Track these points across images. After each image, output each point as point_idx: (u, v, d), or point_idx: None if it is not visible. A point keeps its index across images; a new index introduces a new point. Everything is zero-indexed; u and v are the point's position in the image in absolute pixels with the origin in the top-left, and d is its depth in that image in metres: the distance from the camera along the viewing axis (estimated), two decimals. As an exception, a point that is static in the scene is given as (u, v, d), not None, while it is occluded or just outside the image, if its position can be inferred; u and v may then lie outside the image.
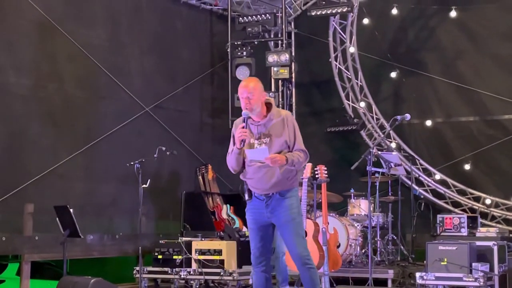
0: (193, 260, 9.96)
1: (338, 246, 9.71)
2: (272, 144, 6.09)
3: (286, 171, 6.12)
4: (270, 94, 12.14)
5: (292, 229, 6.12)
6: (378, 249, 10.50)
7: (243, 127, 6.02)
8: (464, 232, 10.30)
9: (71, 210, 8.75)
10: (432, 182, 12.46)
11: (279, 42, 12.86)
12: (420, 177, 12.50)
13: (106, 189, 10.56)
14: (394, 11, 12.82)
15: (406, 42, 13.13)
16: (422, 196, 12.27)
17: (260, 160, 6.04)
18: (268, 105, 6.21)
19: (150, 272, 10.11)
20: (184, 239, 10.28)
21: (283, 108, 12.52)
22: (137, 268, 9.73)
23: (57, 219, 8.92)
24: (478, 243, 9.38)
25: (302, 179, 8.78)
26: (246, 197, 6.24)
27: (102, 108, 10.70)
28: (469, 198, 12.31)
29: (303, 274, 6.17)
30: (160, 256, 10.14)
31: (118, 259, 10.95)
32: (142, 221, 9.29)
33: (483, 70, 12.49)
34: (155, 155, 9.27)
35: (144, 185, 8.88)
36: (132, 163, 8.92)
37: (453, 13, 12.48)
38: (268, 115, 6.15)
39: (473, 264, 8.86)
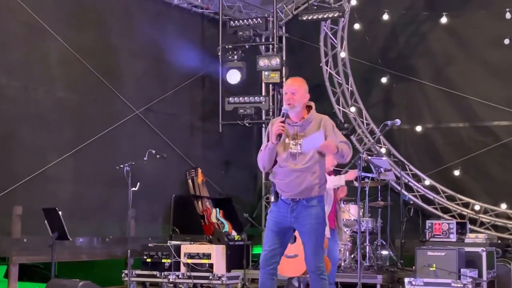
0: (182, 264, 9.96)
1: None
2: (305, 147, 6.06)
3: (319, 177, 6.11)
4: (261, 98, 12.15)
5: (314, 239, 6.07)
6: (367, 254, 10.51)
7: (282, 122, 5.98)
8: (453, 238, 10.33)
9: (60, 212, 8.72)
10: (422, 187, 12.49)
11: (270, 46, 12.87)
12: (410, 183, 12.52)
13: (96, 192, 10.54)
14: (385, 17, 12.85)
15: (397, 47, 13.16)
16: (411, 202, 12.29)
17: (315, 146, 5.96)
18: (308, 109, 6.24)
19: (138, 276, 10.10)
20: (173, 242, 10.28)
21: (272, 113, 12.54)
22: (126, 271, 9.71)
23: (45, 221, 8.89)
24: (467, 249, 9.40)
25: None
26: (273, 198, 6.19)
27: (92, 110, 10.67)
28: (458, 204, 12.34)
29: (314, 284, 6.12)
30: (149, 260, 10.13)
31: (106, 262, 10.92)
32: (131, 224, 9.29)
33: (473, 76, 12.53)
34: (145, 158, 9.26)
35: (133, 188, 8.87)
36: (121, 166, 8.90)
37: (443, 20, 12.52)
38: (306, 117, 6.16)
39: (462, 270, 8.88)
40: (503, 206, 12.08)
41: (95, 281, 8.33)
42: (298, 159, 6.06)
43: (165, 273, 9.93)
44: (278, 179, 6.14)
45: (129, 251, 9.05)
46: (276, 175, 6.16)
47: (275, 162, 6.17)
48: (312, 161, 6.08)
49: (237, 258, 10.46)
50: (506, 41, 11.95)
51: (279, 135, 5.98)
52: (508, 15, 11.90)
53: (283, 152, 6.09)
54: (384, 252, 10.87)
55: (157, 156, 9.45)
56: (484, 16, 12.33)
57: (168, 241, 10.43)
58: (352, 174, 8.24)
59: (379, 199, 11.20)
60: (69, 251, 9.97)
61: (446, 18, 12.51)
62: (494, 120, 12.32)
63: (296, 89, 6.13)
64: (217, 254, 9.98)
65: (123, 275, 10.07)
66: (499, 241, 11.28)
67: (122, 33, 11.24)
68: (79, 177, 10.40)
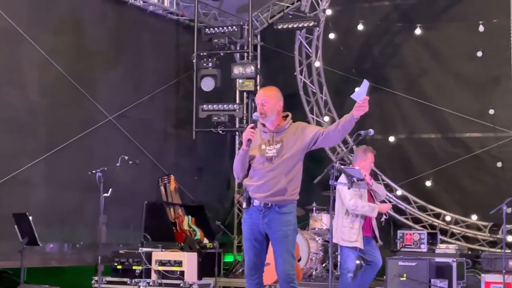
0: (153, 271, 9.90)
1: (299, 260, 9.73)
2: (282, 149, 6.11)
3: (292, 181, 6.15)
4: (235, 106, 12.15)
5: (285, 246, 6.06)
6: (338, 263, 10.51)
7: (252, 127, 6.04)
8: (424, 248, 10.38)
9: (30, 217, 8.65)
10: (394, 197, 12.54)
11: (245, 54, 12.89)
12: (382, 193, 12.56)
13: (68, 197, 10.46)
14: (360, 27, 12.92)
15: (371, 58, 13.23)
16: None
17: (364, 94, 6.23)
18: (285, 117, 6.31)
19: (109, 282, 10.03)
20: (145, 249, 10.23)
21: (246, 121, 12.54)
22: (96, 278, 9.64)
23: (15, 226, 8.81)
24: (438, 259, 9.46)
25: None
26: (244, 205, 6.20)
27: (65, 115, 10.60)
28: (429, 215, 12.42)
29: None
30: (119, 266, 10.07)
31: (77, 269, 10.84)
32: (103, 230, 9.21)
33: (446, 88, 12.62)
34: (117, 164, 9.21)
35: (105, 194, 8.80)
36: (94, 171, 8.85)
37: (418, 31, 12.61)
38: (282, 124, 6.22)
39: (432, 280, 8.94)
40: (474, 217, 12.17)
41: (64, 288, 8.27)
42: (274, 162, 6.09)
43: (136, 280, 9.88)
44: (252, 182, 6.13)
45: (99, 257, 8.97)
46: (251, 178, 6.16)
47: (249, 168, 6.19)
48: (289, 164, 6.12)
49: (209, 265, 10.44)
50: (479, 54, 12.06)
51: (249, 140, 6.03)
52: (481, 28, 12.00)
53: (259, 157, 6.12)
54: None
55: (130, 162, 9.39)
56: (457, 28, 12.44)
57: (140, 248, 10.38)
58: (385, 207, 8.35)
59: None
60: (39, 257, 9.89)
61: (420, 30, 12.60)
62: (466, 131, 12.42)
63: (266, 99, 6.16)
64: (189, 261, 9.94)
65: (93, 282, 10.00)
66: (469, 252, 11.37)
67: (96, 38, 11.19)
68: (51, 182, 10.33)
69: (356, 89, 6.23)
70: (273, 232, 6.09)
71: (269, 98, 6.19)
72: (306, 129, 6.25)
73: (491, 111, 11.99)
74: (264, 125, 6.21)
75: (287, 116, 6.33)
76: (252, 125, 6.08)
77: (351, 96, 6.14)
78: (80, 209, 10.54)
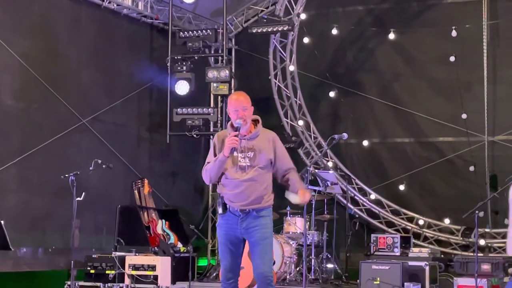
0: (126, 275, 9.85)
1: (273, 264, 9.73)
2: (255, 159, 6.13)
3: (267, 189, 6.20)
4: (209, 109, 12.13)
5: (263, 248, 6.12)
6: (313, 267, 10.54)
7: (236, 135, 6.02)
8: (397, 252, 10.43)
9: (2, 222, 8.55)
10: (367, 201, 12.60)
11: (220, 58, 12.88)
12: (356, 197, 12.63)
13: (40, 202, 10.38)
14: (334, 31, 12.97)
15: (345, 62, 13.28)
16: (357, 216, 12.38)
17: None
18: (256, 122, 6.31)
19: (82, 287, 9.96)
20: (118, 254, 10.17)
21: (221, 125, 12.53)
22: (69, 283, 9.57)
23: (-13, 231, 8.71)
24: (411, 263, 9.51)
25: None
26: (220, 210, 6.20)
27: (37, 119, 10.52)
28: (402, 219, 12.48)
29: None
30: (92, 271, 10.01)
31: (49, 273, 10.74)
32: (76, 234, 9.16)
33: (419, 93, 12.71)
34: (90, 168, 9.16)
35: (78, 198, 8.76)
36: (66, 175, 8.79)
37: (391, 36, 12.68)
38: (254, 131, 6.22)
39: (405, 284, 8.99)
40: (447, 221, 12.25)
41: (37, 292, 8.20)
42: (248, 171, 6.10)
43: (109, 284, 9.82)
44: (227, 191, 6.16)
45: (72, 262, 8.92)
46: (225, 186, 6.18)
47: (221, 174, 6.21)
48: (262, 173, 6.15)
49: (183, 270, 10.41)
50: (452, 59, 12.15)
51: (233, 149, 6.02)
52: (454, 33, 12.10)
53: (232, 166, 6.13)
54: (329, 266, 10.93)
55: (103, 166, 9.36)
56: (430, 33, 12.53)
57: (113, 252, 10.32)
58: None
59: (325, 213, 11.26)
60: (11, 262, 9.80)
61: (394, 35, 12.67)
62: (439, 136, 12.50)
63: (246, 106, 6.20)
64: (162, 265, 9.90)
65: (66, 287, 9.92)
66: (442, 256, 11.44)
67: (70, 41, 11.12)
68: (23, 186, 10.24)
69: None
70: (251, 235, 6.14)
71: (248, 104, 6.24)
72: (277, 147, 6.27)
73: (464, 116, 12.08)
74: (238, 130, 6.18)
75: (257, 120, 6.35)
76: (236, 133, 6.06)
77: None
78: (53, 213, 10.46)
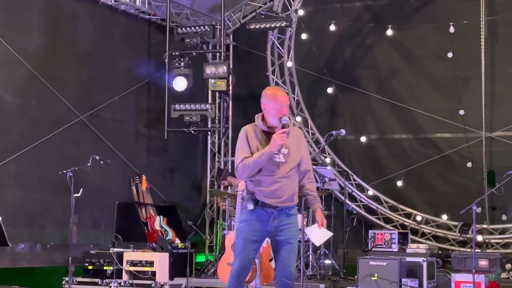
0: (124, 271, 9.86)
1: (271, 260, 9.72)
2: (289, 156, 6.08)
3: (297, 187, 6.20)
4: (207, 106, 12.13)
5: (292, 248, 6.11)
6: (310, 263, 10.55)
7: (283, 132, 5.95)
8: (395, 248, 10.44)
9: (0, 218, 8.56)
10: (365, 197, 12.61)
11: (217, 54, 12.88)
12: (353, 193, 12.63)
13: (38, 198, 10.38)
14: (332, 28, 12.96)
15: (343, 58, 13.28)
16: (354, 212, 12.39)
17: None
18: None
19: (79, 283, 9.97)
20: (116, 250, 10.18)
21: (218, 121, 12.53)
22: (67, 279, 9.58)
23: (-15, 227, 8.71)
24: (408, 259, 9.50)
25: (237, 191, 8.79)
26: (251, 206, 6.07)
27: (35, 115, 10.52)
28: (400, 215, 12.49)
29: None
30: (90, 267, 10.01)
31: (47, 269, 10.75)
32: (73, 230, 9.18)
33: (417, 89, 12.71)
34: (88, 164, 9.16)
35: (76, 194, 8.76)
36: (64, 171, 8.79)
37: (389, 32, 12.67)
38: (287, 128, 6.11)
39: (403, 279, 8.98)
40: (444, 217, 12.26)
41: (35, 288, 8.20)
42: (282, 168, 6.06)
43: (107, 280, 9.82)
44: (263, 187, 6.06)
45: (70, 258, 8.93)
46: (261, 183, 6.07)
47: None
48: (294, 170, 6.14)
49: (180, 266, 10.40)
50: (450, 55, 12.15)
51: (282, 145, 5.98)
52: (452, 29, 12.09)
53: (269, 162, 6.03)
54: (327, 261, 10.93)
55: (101, 162, 9.36)
56: (428, 29, 12.53)
57: (111, 248, 10.33)
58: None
59: (323, 209, 11.25)
60: (9, 258, 9.80)
61: (392, 31, 12.66)
62: (437, 132, 12.51)
63: (288, 103, 6.22)
64: (160, 262, 9.91)
65: (63, 283, 9.93)
66: (440, 252, 11.45)
67: (67, 37, 11.12)
68: (21, 182, 10.23)
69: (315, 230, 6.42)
70: (281, 233, 6.10)
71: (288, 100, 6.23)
72: (303, 145, 6.29)
73: (461, 112, 12.08)
74: (269, 128, 6.13)
75: None
76: (286, 130, 5.99)
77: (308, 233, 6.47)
78: (51, 209, 10.46)
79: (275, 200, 6.06)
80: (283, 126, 6.02)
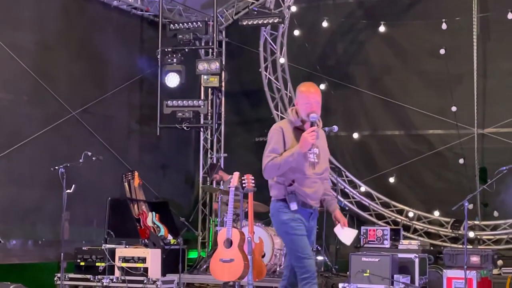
0: (116, 268, 9.85)
1: (263, 256, 9.75)
2: (320, 155, 6.06)
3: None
4: (200, 102, 12.12)
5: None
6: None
7: (313, 131, 5.88)
8: (387, 244, 10.45)
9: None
10: (357, 194, 12.62)
11: (210, 50, 12.85)
12: (346, 189, 12.64)
13: (30, 194, 10.37)
14: (325, 24, 12.96)
15: (336, 55, 13.28)
16: (347, 208, 12.39)
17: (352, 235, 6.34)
18: None
19: (71, 279, 9.97)
20: (108, 246, 10.17)
21: (211, 117, 12.52)
22: (59, 275, 9.57)
23: (-24, 223, 8.71)
24: (400, 255, 9.53)
25: (229, 188, 8.79)
26: (295, 206, 5.99)
27: (27, 111, 10.50)
28: (392, 211, 12.51)
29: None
30: (82, 263, 10.01)
31: (39, 265, 10.74)
32: (65, 227, 9.16)
33: (409, 85, 12.72)
34: (80, 160, 9.15)
35: (68, 191, 8.75)
36: (56, 167, 8.78)
37: (382, 28, 12.68)
38: (315, 128, 6.02)
39: (395, 276, 9.00)
40: (436, 213, 12.29)
41: (27, 285, 8.19)
42: (316, 168, 6.04)
43: (99, 276, 9.82)
44: (305, 187, 6.00)
45: (62, 254, 8.92)
46: (301, 183, 5.99)
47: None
48: (325, 170, 6.16)
49: (173, 262, 10.41)
50: (442, 51, 12.17)
51: (313, 144, 5.92)
52: (444, 26, 12.10)
53: (305, 162, 5.97)
54: (319, 258, 10.94)
55: (93, 158, 9.35)
56: (421, 26, 12.53)
57: (103, 245, 10.32)
58: None
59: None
60: (1, 254, 9.79)
61: (384, 27, 12.67)
62: (429, 128, 12.52)
63: (320, 99, 6.12)
64: (152, 258, 9.90)
65: (55, 279, 9.92)
66: (432, 248, 11.47)
67: (59, 33, 11.09)
68: (13, 178, 10.22)
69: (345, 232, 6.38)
70: (311, 234, 6.18)
71: (321, 98, 6.14)
72: (326, 146, 6.27)
73: (454, 108, 12.10)
74: (302, 125, 6.05)
75: None
76: (315, 128, 5.91)
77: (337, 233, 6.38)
78: (43, 205, 10.45)
79: (314, 201, 6.10)
80: (311, 124, 5.94)
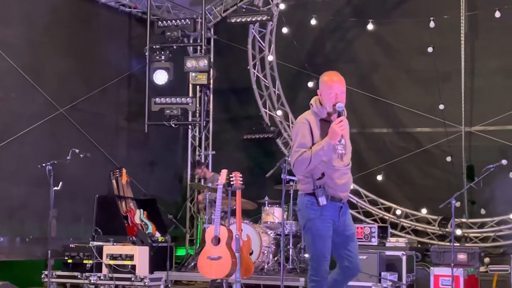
0: (103, 265, 9.83)
1: (251, 253, 9.74)
2: (346, 146, 5.86)
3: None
4: (188, 99, 12.11)
5: (356, 244, 6.01)
6: (290, 257, 10.56)
7: (341, 121, 5.67)
8: (375, 241, 10.47)
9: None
10: (345, 191, 12.61)
11: (198, 47, 12.86)
12: (334, 187, 12.63)
13: (18, 191, 10.34)
14: (313, 22, 12.96)
15: (324, 52, 13.29)
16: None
17: None
18: None
19: (59, 277, 9.92)
20: (95, 243, 10.13)
21: (199, 114, 12.50)
22: (46, 272, 9.53)
23: (-37, 220, 8.67)
24: (388, 252, 9.55)
25: (217, 185, 8.78)
26: (324, 201, 5.77)
27: (15, 108, 10.47)
28: (380, 209, 12.53)
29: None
30: (70, 260, 9.96)
31: (26, 263, 10.71)
32: (53, 224, 9.12)
33: (397, 83, 12.75)
34: (68, 158, 9.11)
35: (55, 188, 8.71)
36: (43, 164, 8.75)
37: (370, 26, 12.69)
38: (343, 118, 5.82)
39: (382, 273, 9.02)
40: (423, 211, 12.32)
41: (14, 282, 8.16)
42: (344, 159, 5.88)
43: (87, 274, 9.77)
44: (334, 180, 5.82)
45: (49, 251, 8.88)
46: (331, 176, 5.81)
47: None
48: (350, 161, 6.02)
49: (161, 259, 10.38)
50: (430, 49, 12.19)
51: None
52: (432, 24, 12.13)
53: (333, 153, 5.77)
54: (307, 255, 10.94)
55: (81, 155, 9.31)
56: (409, 24, 12.55)
57: (90, 242, 10.29)
58: None
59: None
60: (-12, 251, 9.76)
61: (372, 25, 12.68)
62: (417, 126, 12.56)
63: (344, 88, 5.88)
64: (140, 255, 9.88)
65: (43, 276, 9.88)
66: (419, 245, 11.51)
67: (47, 30, 11.05)
68: (1, 175, 10.18)
69: None
70: (349, 228, 5.96)
71: (345, 86, 5.91)
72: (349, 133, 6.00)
73: (441, 106, 12.13)
74: (328, 117, 5.85)
75: None
76: (342, 118, 5.69)
77: None
78: (31, 202, 10.42)
79: (344, 193, 5.92)
80: (339, 114, 5.73)
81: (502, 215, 11.80)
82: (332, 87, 5.83)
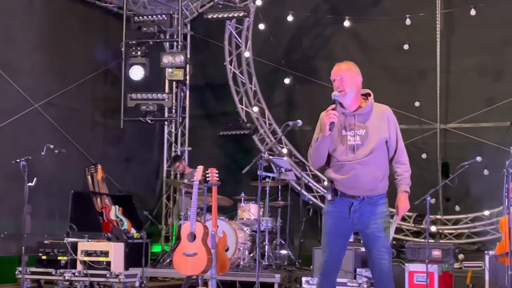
0: (78, 261, 9.77)
1: (227, 250, 9.73)
2: (367, 137, 5.49)
3: (383, 173, 5.64)
4: (164, 95, 12.06)
5: (382, 241, 5.57)
6: (266, 254, 10.57)
7: (333, 109, 5.42)
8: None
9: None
10: (321, 188, 12.65)
11: (175, 43, 12.81)
12: (310, 183, 12.68)
13: (-9, 187, 10.26)
14: (290, 18, 12.97)
15: (301, 49, 13.30)
16: (310, 202, 12.43)
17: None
18: (367, 96, 5.77)
19: (33, 273, 9.85)
20: (70, 239, 10.07)
21: (175, 110, 12.46)
22: (20, 269, 9.46)
23: None
24: (363, 249, 9.56)
25: (193, 181, 8.76)
26: (330, 197, 5.54)
27: (-12, 103, 10.39)
28: (356, 205, 12.54)
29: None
30: (44, 257, 9.89)
31: (1, 259, 10.63)
32: (27, 220, 9.04)
33: (373, 80, 12.71)
34: (42, 153, 9.05)
35: (30, 184, 8.64)
36: (17, 160, 8.67)
37: (346, 23, 12.72)
38: (364, 106, 5.63)
39: (358, 269, 9.05)
40: (399, 207, 12.34)
41: (-13, 278, 8.08)
42: (358, 152, 5.50)
43: (61, 270, 9.72)
44: (339, 175, 5.52)
45: (23, 247, 8.81)
46: (335, 170, 5.54)
47: (328, 157, 5.59)
48: (374, 153, 5.55)
49: (136, 256, 10.34)
50: (406, 47, 12.24)
51: (332, 124, 5.41)
52: (408, 21, 12.18)
53: (341, 146, 5.52)
54: (283, 252, 10.97)
55: (56, 151, 9.24)
56: (385, 21, 12.58)
57: (65, 238, 10.22)
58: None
59: (279, 199, 11.29)
60: (-39, 248, 9.68)
61: (349, 22, 12.72)
62: (394, 124, 12.58)
63: (343, 74, 5.59)
64: (115, 252, 9.83)
65: (17, 273, 9.80)
66: (394, 242, 11.52)
67: (22, 24, 10.97)
68: (-26, 171, 10.11)
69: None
70: (367, 226, 5.56)
71: (347, 72, 5.59)
72: (390, 130, 5.76)
73: (417, 104, 12.19)
74: (342, 106, 5.58)
75: (367, 94, 5.79)
76: (333, 106, 5.44)
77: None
78: (5, 198, 10.35)
79: (352, 189, 5.51)
80: (333, 102, 5.52)
81: (476, 212, 11.89)
82: (332, 76, 5.68)
